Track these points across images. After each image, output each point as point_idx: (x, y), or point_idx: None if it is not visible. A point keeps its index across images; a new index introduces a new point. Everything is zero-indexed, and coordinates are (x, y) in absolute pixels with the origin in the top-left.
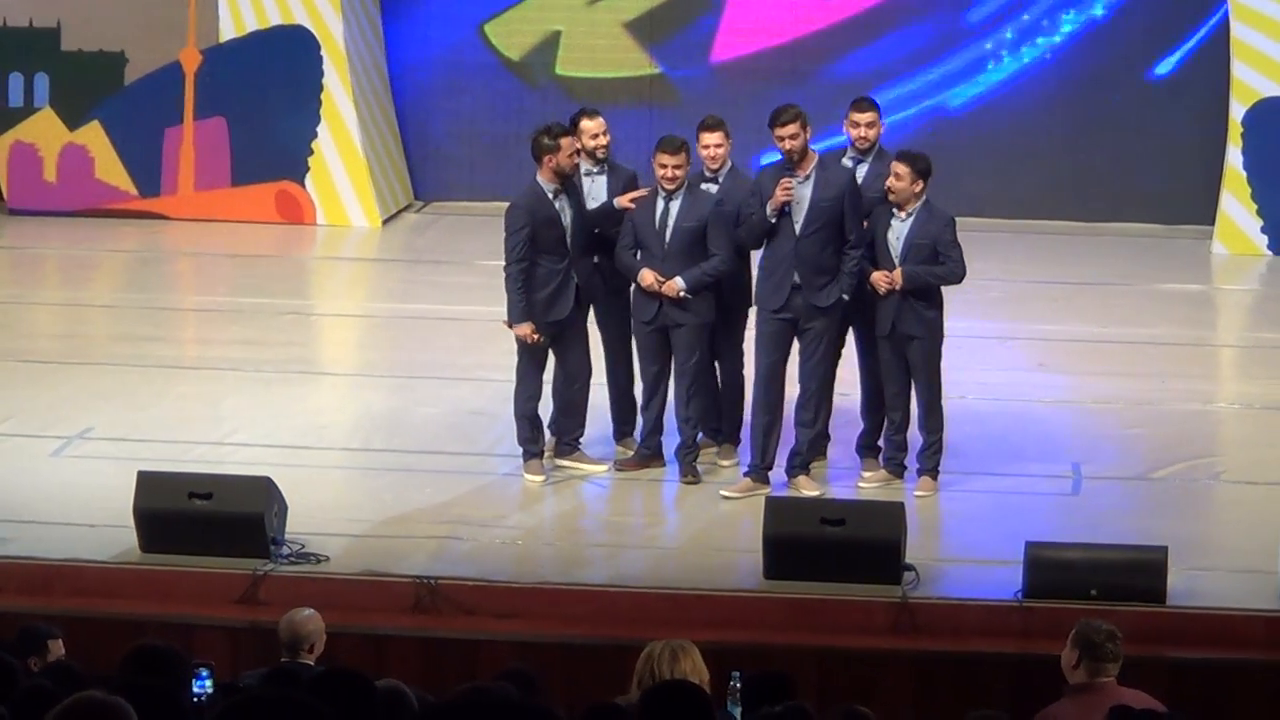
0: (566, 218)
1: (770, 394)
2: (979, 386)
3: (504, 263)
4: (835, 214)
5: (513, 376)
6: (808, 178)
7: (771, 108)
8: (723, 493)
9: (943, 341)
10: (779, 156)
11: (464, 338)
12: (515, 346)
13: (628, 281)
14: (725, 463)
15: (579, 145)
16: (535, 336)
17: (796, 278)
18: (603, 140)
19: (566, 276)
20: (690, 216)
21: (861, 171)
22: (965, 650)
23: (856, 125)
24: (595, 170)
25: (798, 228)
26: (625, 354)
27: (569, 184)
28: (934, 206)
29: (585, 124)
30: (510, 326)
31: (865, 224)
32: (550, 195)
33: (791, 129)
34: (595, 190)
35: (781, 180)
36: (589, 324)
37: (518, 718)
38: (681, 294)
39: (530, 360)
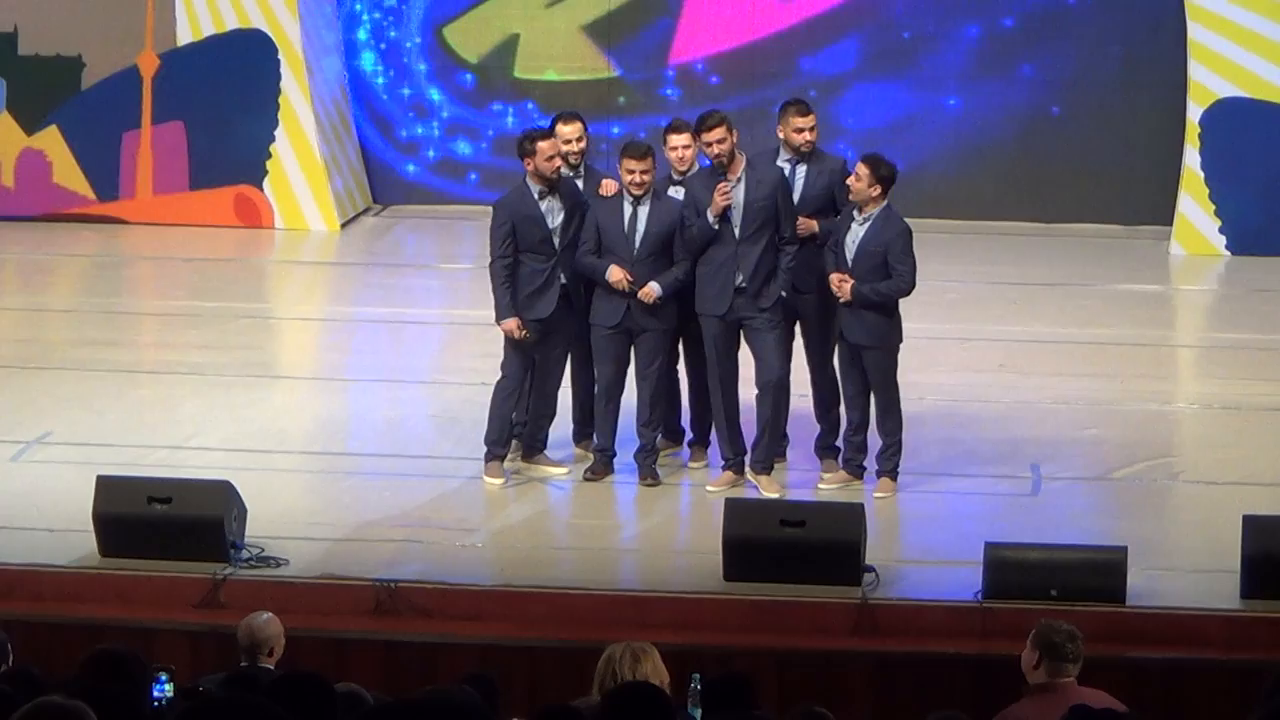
0: (555, 219)
1: (729, 393)
2: (938, 388)
3: (491, 260)
4: (770, 212)
5: (471, 380)
6: (739, 180)
7: (729, 109)
8: (708, 488)
9: (899, 345)
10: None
11: (423, 341)
12: (479, 349)
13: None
14: (696, 465)
15: (559, 149)
16: (522, 331)
17: (740, 280)
18: (575, 146)
19: (551, 277)
20: (659, 222)
21: (801, 173)
22: (925, 651)
23: (800, 130)
24: (570, 174)
25: (737, 231)
26: (590, 358)
27: (565, 187)
28: (893, 214)
29: (560, 128)
30: (498, 323)
31: (820, 222)
32: (535, 195)
33: (718, 133)
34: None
35: (718, 186)
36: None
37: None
38: (657, 299)
39: (517, 359)
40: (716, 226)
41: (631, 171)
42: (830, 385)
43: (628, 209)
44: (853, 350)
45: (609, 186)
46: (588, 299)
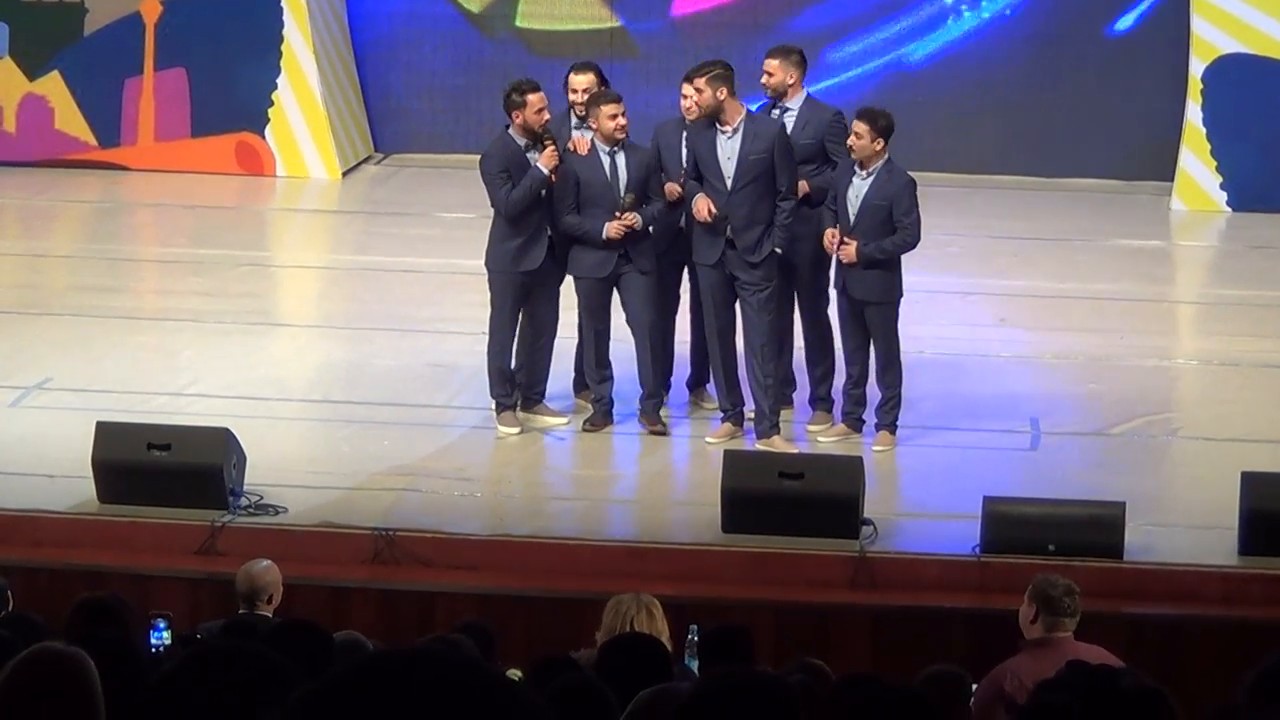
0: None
1: (726, 344)
2: (938, 341)
3: (495, 212)
4: (766, 167)
5: (471, 329)
6: (736, 130)
7: (732, 60)
8: (708, 439)
9: (900, 300)
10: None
11: (424, 290)
12: (479, 299)
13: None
14: (709, 404)
15: (570, 100)
16: (557, 157)
17: (729, 231)
18: (585, 98)
19: (539, 229)
20: (639, 167)
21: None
22: (923, 605)
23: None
24: (582, 125)
25: (728, 182)
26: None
27: (545, 140)
28: (895, 167)
29: (573, 78)
30: (543, 169)
31: (812, 180)
32: (521, 147)
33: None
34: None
35: (703, 201)
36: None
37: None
38: (639, 224)
39: (502, 312)
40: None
41: (614, 116)
42: (822, 338)
43: (605, 160)
44: (854, 305)
45: (582, 144)
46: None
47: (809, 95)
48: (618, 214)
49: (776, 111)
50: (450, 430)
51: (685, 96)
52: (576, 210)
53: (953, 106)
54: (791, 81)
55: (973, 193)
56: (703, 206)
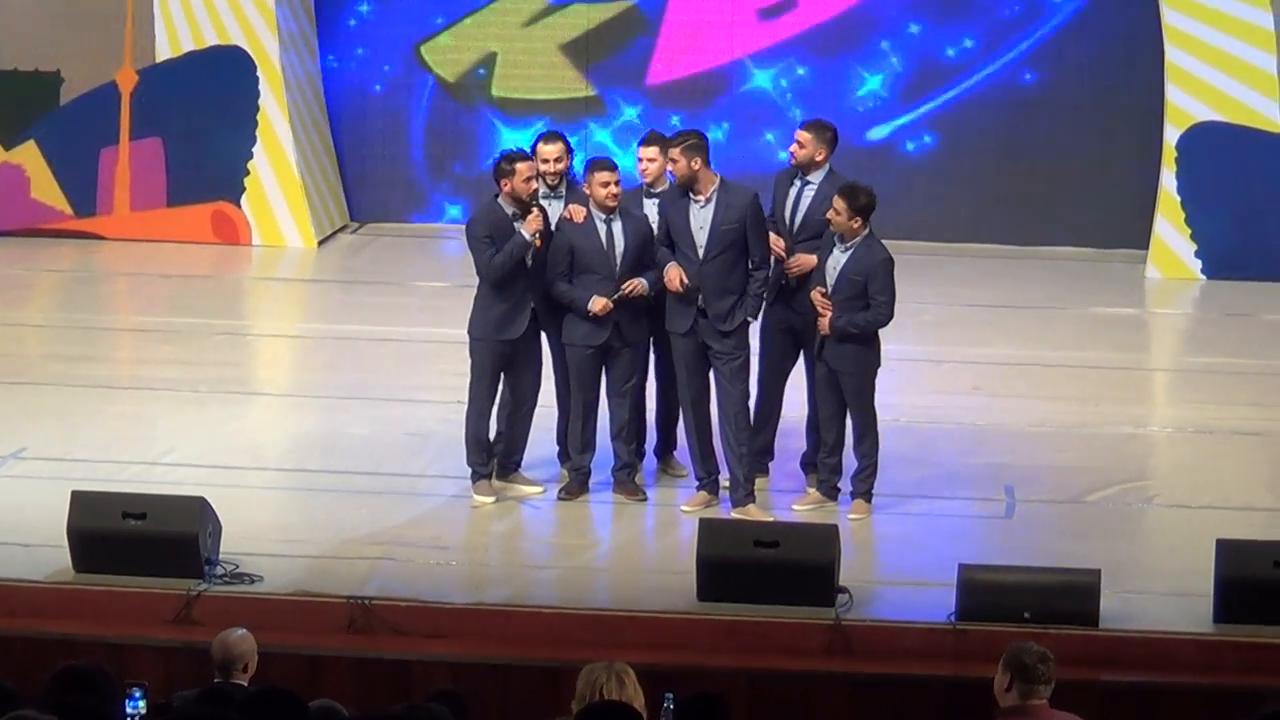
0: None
1: (701, 413)
2: (913, 409)
3: (479, 279)
4: (738, 237)
5: (447, 397)
6: (709, 200)
7: (705, 130)
8: (683, 508)
9: (877, 369)
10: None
11: (399, 358)
12: (454, 367)
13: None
14: (679, 472)
15: (539, 169)
16: (540, 222)
17: (701, 301)
18: (554, 166)
19: (523, 297)
20: (636, 234)
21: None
22: (898, 672)
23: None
24: (551, 195)
25: (700, 251)
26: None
27: (533, 207)
28: (875, 244)
29: (542, 148)
30: (525, 235)
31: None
32: (508, 215)
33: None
34: (551, 214)
35: (675, 270)
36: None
37: None
38: (649, 293)
39: (482, 380)
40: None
41: (606, 184)
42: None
43: (602, 227)
44: (831, 372)
45: (577, 212)
46: (557, 320)
47: (832, 169)
48: (621, 287)
49: (798, 182)
50: (426, 499)
51: (641, 160)
52: (569, 278)
53: (927, 175)
54: (820, 158)
55: (948, 261)
56: (674, 276)
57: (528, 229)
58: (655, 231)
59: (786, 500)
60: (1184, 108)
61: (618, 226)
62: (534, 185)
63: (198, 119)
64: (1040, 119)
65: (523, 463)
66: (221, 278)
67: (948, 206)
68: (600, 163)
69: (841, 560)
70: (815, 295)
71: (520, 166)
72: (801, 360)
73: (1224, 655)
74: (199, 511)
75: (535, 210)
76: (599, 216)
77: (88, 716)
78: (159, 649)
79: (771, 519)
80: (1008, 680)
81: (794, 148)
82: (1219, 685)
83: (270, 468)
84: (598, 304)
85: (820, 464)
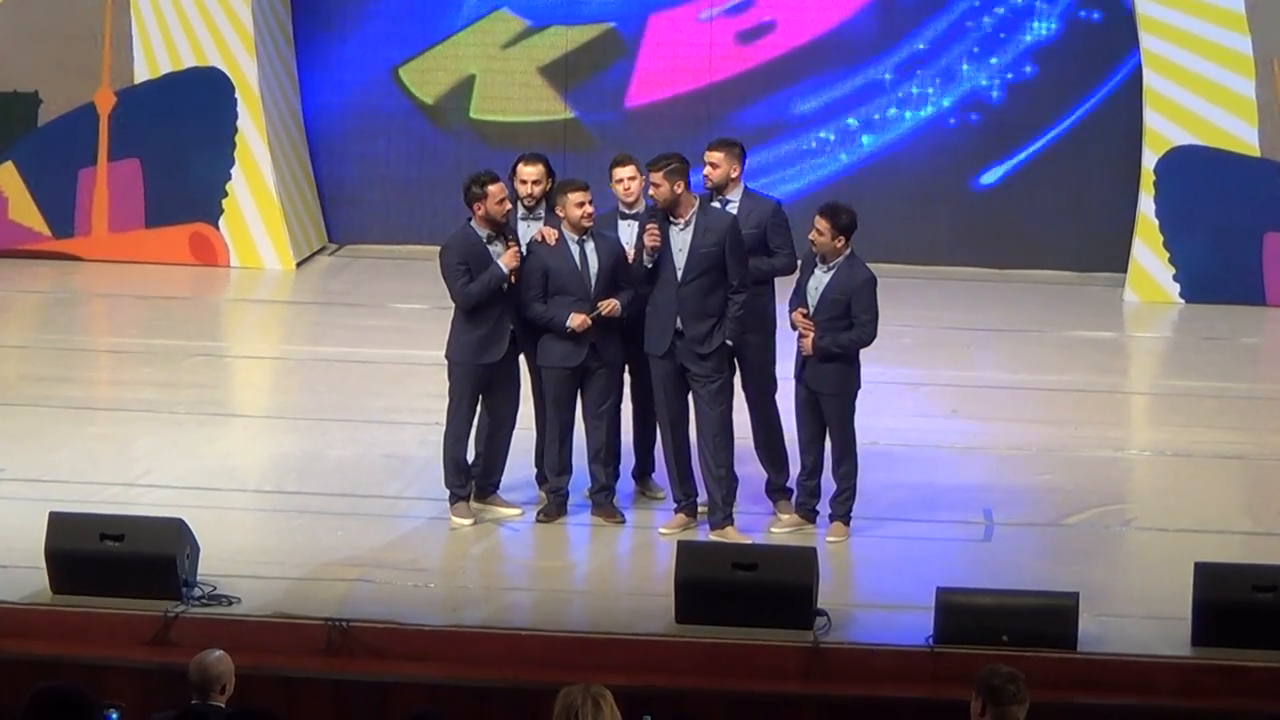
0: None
1: (679, 435)
2: (891, 432)
3: (454, 304)
4: (717, 259)
5: (425, 420)
6: (688, 223)
7: (685, 152)
8: (661, 531)
9: (857, 392)
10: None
11: (377, 380)
12: (433, 389)
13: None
14: (655, 494)
15: (517, 190)
16: (518, 258)
17: (679, 323)
18: (532, 188)
19: (500, 321)
20: (609, 255)
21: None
22: (876, 695)
23: (580, 204)
24: (529, 216)
25: (679, 274)
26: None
27: (507, 232)
28: (857, 263)
29: (522, 169)
30: (504, 269)
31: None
32: (483, 239)
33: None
34: (528, 235)
35: (648, 227)
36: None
37: None
38: (620, 313)
39: (461, 404)
40: (649, 265)
41: (581, 204)
42: (771, 428)
43: (575, 249)
44: (811, 395)
45: (550, 234)
46: (534, 342)
47: (747, 188)
48: (597, 306)
49: (717, 203)
50: (404, 521)
51: (619, 181)
52: (544, 299)
53: (905, 198)
54: (735, 175)
55: (926, 284)
56: (577, 322)
57: (506, 263)
58: (628, 252)
59: (756, 524)
60: (1161, 132)
61: (590, 247)
62: (507, 206)
63: (176, 140)
64: (1018, 141)
65: (501, 485)
66: (200, 299)
67: (927, 230)
68: (573, 183)
69: (820, 583)
70: (797, 316)
71: (492, 189)
72: (741, 388)
73: (1202, 678)
74: (177, 533)
75: (513, 244)
76: (571, 238)
77: None
78: (136, 670)
79: (750, 541)
80: (980, 706)
81: (707, 170)
82: (1197, 708)
83: (248, 489)
84: (577, 319)
85: (799, 486)
